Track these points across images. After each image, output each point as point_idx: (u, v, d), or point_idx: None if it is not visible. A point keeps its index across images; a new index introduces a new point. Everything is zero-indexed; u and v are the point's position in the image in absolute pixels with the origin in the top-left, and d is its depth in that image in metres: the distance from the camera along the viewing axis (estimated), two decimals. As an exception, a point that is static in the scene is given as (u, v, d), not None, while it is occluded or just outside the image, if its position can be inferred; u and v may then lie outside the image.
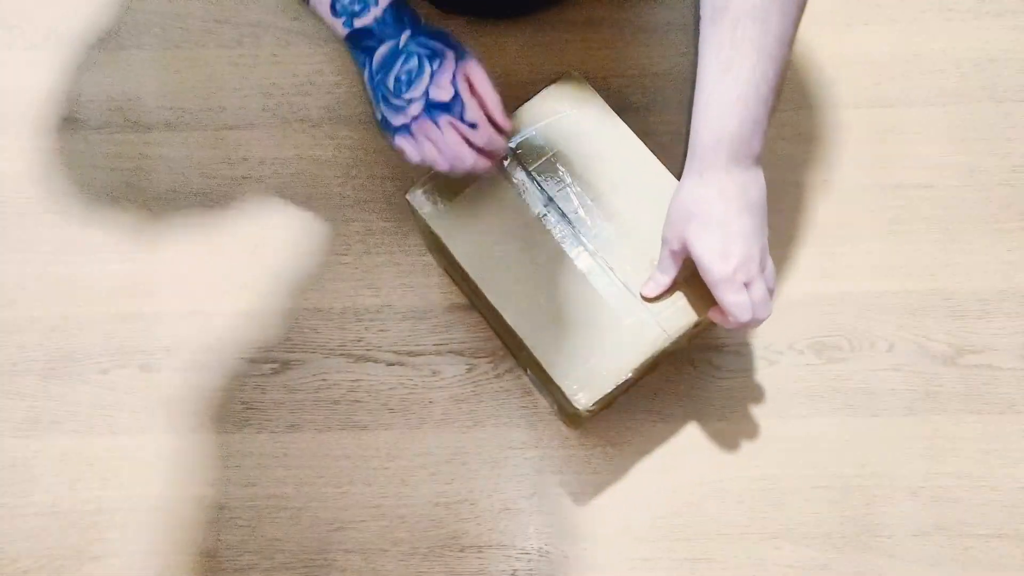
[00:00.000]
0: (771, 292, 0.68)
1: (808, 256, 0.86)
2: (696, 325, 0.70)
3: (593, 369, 0.69)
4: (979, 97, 0.91)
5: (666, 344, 0.69)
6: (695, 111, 0.66)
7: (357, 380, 0.83)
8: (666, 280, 0.70)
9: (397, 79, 0.63)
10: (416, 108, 0.64)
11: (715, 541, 0.79)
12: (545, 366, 0.69)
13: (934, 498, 0.79)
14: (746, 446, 0.81)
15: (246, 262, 0.87)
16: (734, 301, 0.65)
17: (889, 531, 0.79)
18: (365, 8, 0.63)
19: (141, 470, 0.81)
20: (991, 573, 0.78)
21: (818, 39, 0.92)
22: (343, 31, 0.64)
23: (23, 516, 0.81)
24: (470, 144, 0.66)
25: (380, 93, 0.64)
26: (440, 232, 0.71)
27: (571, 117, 0.74)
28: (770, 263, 0.68)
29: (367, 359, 0.84)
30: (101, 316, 0.86)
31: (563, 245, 0.72)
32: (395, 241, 0.87)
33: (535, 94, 0.75)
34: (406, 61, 0.63)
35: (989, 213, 0.87)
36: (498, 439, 0.82)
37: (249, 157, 0.90)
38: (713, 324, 0.71)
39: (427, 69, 0.63)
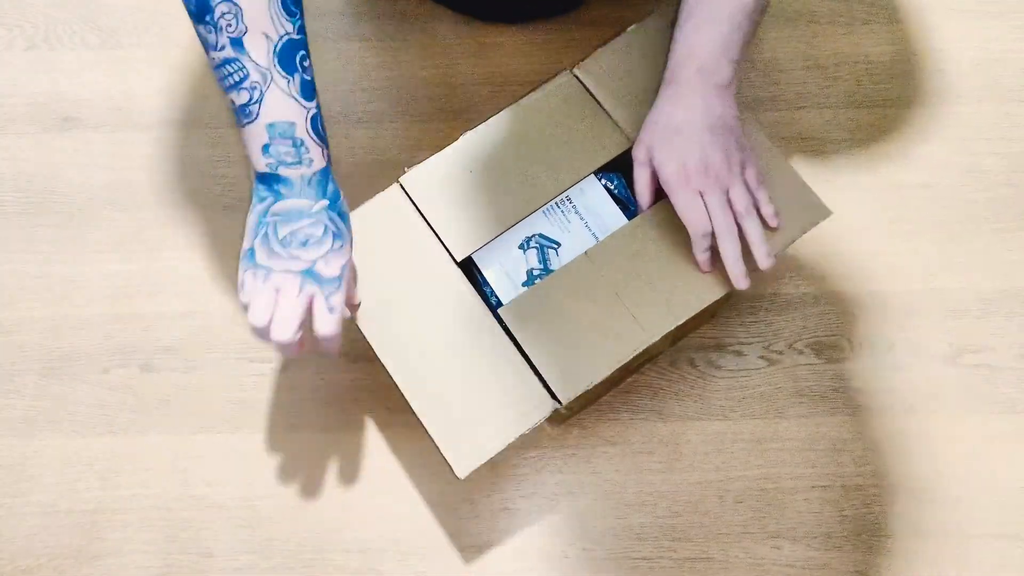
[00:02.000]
0: (765, 208, 0.70)
1: (808, 256, 0.86)
2: (678, 327, 0.70)
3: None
4: (979, 97, 0.91)
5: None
6: (675, 28, 0.70)
7: (357, 380, 0.83)
8: (644, 200, 0.72)
9: (292, 234, 0.62)
10: (296, 266, 0.62)
11: (715, 541, 0.79)
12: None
13: (934, 498, 0.79)
14: (746, 446, 0.81)
15: (246, 262, 0.87)
16: (685, 206, 0.68)
17: (889, 531, 0.79)
18: (298, 164, 0.62)
19: (141, 470, 0.81)
20: (991, 573, 0.78)
21: (818, 39, 0.92)
22: (264, 168, 0.62)
23: (23, 516, 0.81)
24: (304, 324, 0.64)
25: (264, 231, 0.63)
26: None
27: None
28: (763, 198, 0.70)
29: (367, 359, 0.84)
30: (101, 316, 0.86)
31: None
32: (395, 241, 0.87)
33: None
34: (312, 225, 0.62)
35: (990, 213, 0.87)
36: (498, 439, 0.82)
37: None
38: (700, 325, 0.71)
39: (328, 244, 0.63)
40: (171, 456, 0.82)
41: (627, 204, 0.75)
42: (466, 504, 0.80)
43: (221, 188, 0.89)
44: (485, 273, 0.73)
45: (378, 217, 0.73)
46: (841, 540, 0.79)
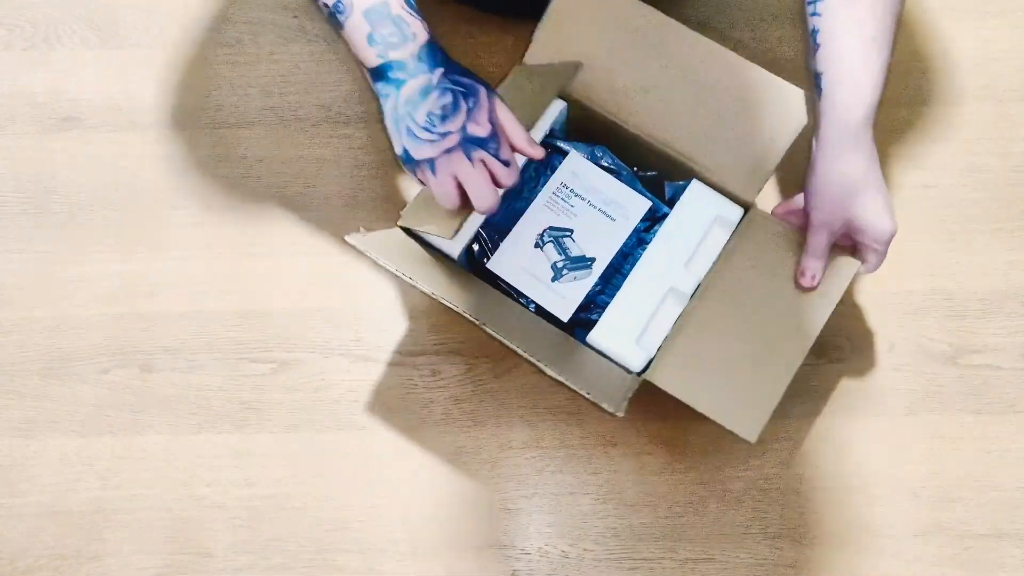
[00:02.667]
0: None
1: (808, 256, 0.86)
2: None
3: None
4: (979, 97, 0.91)
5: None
6: (840, 88, 0.68)
7: (357, 380, 0.83)
8: (821, 266, 0.72)
9: (430, 114, 0.62)
10: (451, 141, 0.63)
11: (715, 541, 0.79)
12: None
13: (934, 498, 0.79)
14: (746, 446, 0.81)
15: (246, 262, 0.87)
16: (883, 260, 0.72)
17: (889, 531, 0.79)
18: (404, 41, 0.62)
19: (141, 470, 0.81)
20: (991, 573, 0.78)
21: (818, 39, 0.92)
22: (375, 61, 0.63)
23: (22, 516, 0.81)
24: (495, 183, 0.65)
25: (405, 125, 0.63)
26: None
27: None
28: None
29: (367, 359, 0.84)
30: (101, 316, 0.86)
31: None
32: (395, 241, 0.87)
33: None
34: (441, 96, 0.63)
35: (989, 213, 0.87)
36: (498, 439, 0.82)
37: (248, 156, 0.90)
38: None
39: (463, 105, 0.63)
40: (171, 456, 0.82)
41: (618, 172, 0.77)
42: (466, 504, 0.80)
43: (221, 188, 0.89)
44: (510, 281, 0.74)
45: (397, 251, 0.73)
46: (841, 540, 0.79)
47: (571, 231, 0.75)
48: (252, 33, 0.94)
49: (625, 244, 0.75)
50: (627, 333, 0.72)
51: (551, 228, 0.75)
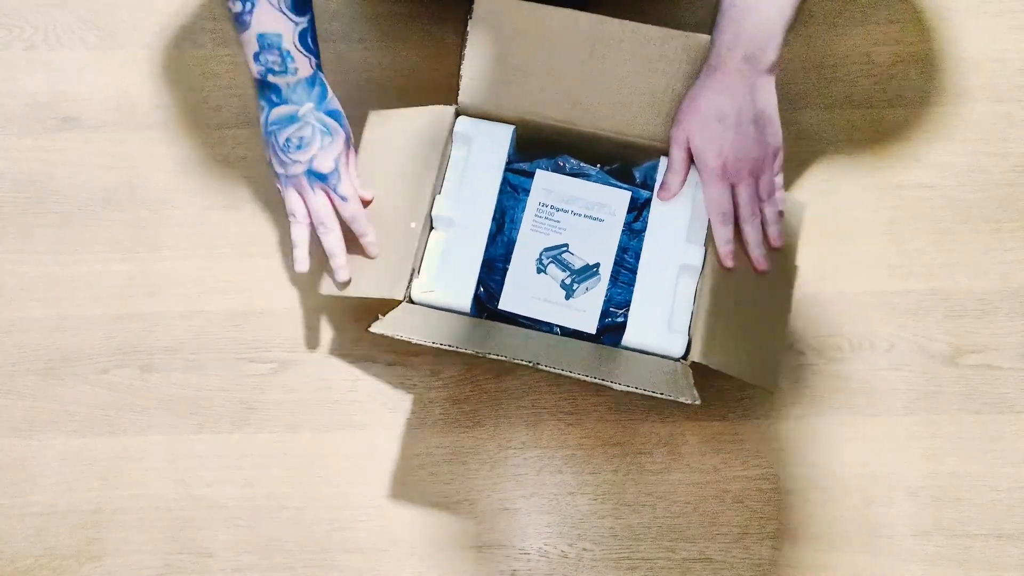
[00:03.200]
0: (780, 214, 0.73)
1: (808, 256, 0.86)
2: None
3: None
4: (979, 97, 0.91)
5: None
6: (718, 15, 0.70)
7: (357, 380, 0.83)
8: (677, 181, 0.73)
9: (288, 139, 0.70)
10: (298, 169, 0.71)
11: (715, 541, 0.79)
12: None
13: (934, 498, 0.79)
14: (746, 446, 0.81)
15: (246, 262, 0.87)
16: (714, 196, 0.71)
17: (889, 531, 0.79)
18: (284, 72, 0.69)
19: (141, 470, 0.81)
20: (991, 573, 0.78)
21: (818, 39, 0.92)
22: (256, 76, 0.70)
23: (22, 516, 0.81)
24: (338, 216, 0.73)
25: (270, 141, 0.71)
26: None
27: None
28: (779, 181, 0.72)
29: (367, 359, 0.84)
30: (101, 316, 0.86)
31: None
32: (395, 241, 0.87)
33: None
34: (301, 128, 0.70)
35: (989, 213, 0.87)
36: (498, 439, 0.82)
37: (247, 156, 0.90)
38: None
39: (317, 141, 0.71)
40: (171, 456, 0.82)
41: (587, 174, 0.77)
42: (466, 504, 0.80)
43: (221, 188, 0.89)
44: (526, 313, 0.74)
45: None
46: (841, 540, 0.79)
47: (566, 245, 0.75)
48: None
49: (620, 240, 0.75)
50: (658, 323, 0.72)
51: (546, 250, 0.75)
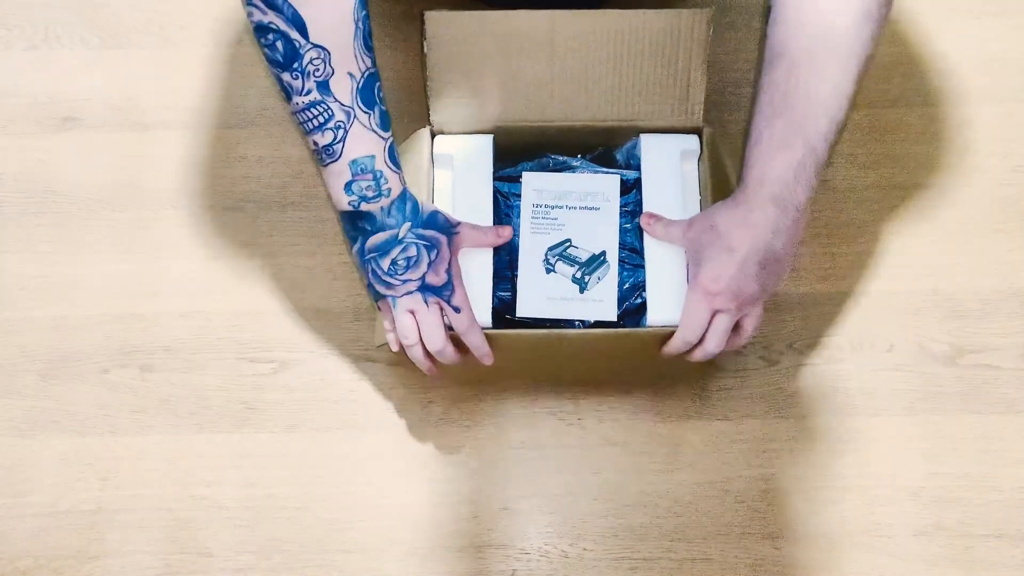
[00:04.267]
0: (742, 343, 0.71)
1: (808, 256, 0.86)
2: None
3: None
4: (979, 97, 0.91)
5: None
6: (745, 148, 0.67)
7: (357, 380, 0.83)
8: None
9: (394, 262, 0.66)
10: (410, 287, 0.67)
11: (715, 541, 0.79)
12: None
13: (934, 498, 0.79)
14: (746, 446, 0.81)
15: (245, 262, 0.87)
16: (693, 320, 0.68)
17: (889, 531, 0.79)
18: (378, 196, 0.64)
19: (141, 470, 0.81)
20: (991, 573, 0.78)
21: (818, 39, 0.92)
22: (346, 208, 0.65)
23: (23, 516, 0.81)
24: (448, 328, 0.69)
25: (370, 268, 0.67)
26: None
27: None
28: (755, 321, 0.69)
29: (367, 359, 0.84)
30: (101, 316, 0.86)
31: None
32: (395, 241, 0.87)
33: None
34: (404, 250, 0.66)
35: (989, 213, 0.87)
36: (498, 439, 0.82)
37: (248, 156, 0.90)
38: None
39: (425, 258, 0.66)
40: (171, 456, 0.82)
41: (571, 166, 0.77)
42: (466, 504, 0.80)
43: (221, 188, 0.89)
44: (546, 316, 0.74)
45: None
46: (841, 540, 0.79)
47: (568, 240, 0.75)
48: (251, 33, 0.93)
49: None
50: (677, 298, 0.72)
51: (550, 248, 0.75)
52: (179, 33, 0.94)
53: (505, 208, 0.77)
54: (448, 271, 0.67)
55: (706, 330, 0.68)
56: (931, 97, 0.91)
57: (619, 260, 0.75)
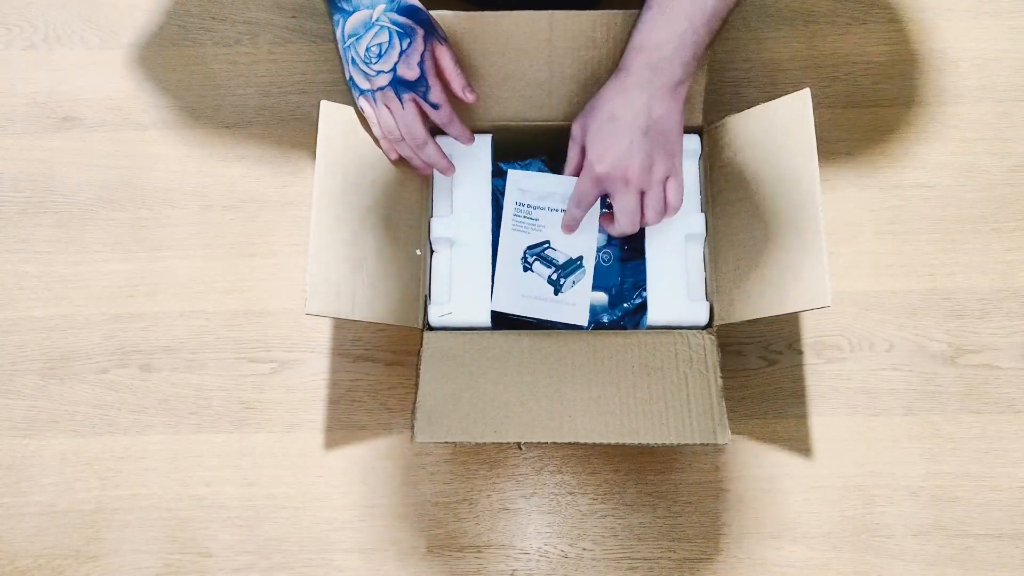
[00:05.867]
0: (672, 216, 0.71)
1: (808, 256, 0.86)
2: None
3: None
4: (978, 97, 0.91)
5: None
6: (636, 18, 0.69)
7: (356, 380, 0.83)
8: (569, 172, 0.73)
9: (367, 49, 0.66)
10: (383, 80, 0.67)
11: (715, 541, 0.79)
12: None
13: (934, 498, 0.79)
14: (746, 446, 0.81)
15: (245, 262, 0.87)
16: (581, 190, 0.70)
17: (889, 531, 0.79)
18: None
19: (141, 470, 0.81)
20: (991, 573, 0.78)
21: (816, 39, 0.92)
22: None
23: (22, 516, 0.81)
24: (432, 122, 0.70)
25: (350, 55, 0.67)
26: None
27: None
28: (676, 192, 0.70)
29: (366, 359, 0.84)
30: (101, 316, 0.86)
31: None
32: (395, 241, 0.87)
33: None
34: (377, 34, 0.66)
35: (988, 213, 0.87)
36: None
37: (247, 156, 0.90)
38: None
39: (397, 46, 0.66)
40: (171, 456, 0.82)
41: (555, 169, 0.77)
42: (466, 504, 0.80)
43: (221, 188, 0.89)
44: (519, 312, 0.74)
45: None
46: (841, 540, 0.79)
47: (547, 242, 0.75)
48: (251, 33, 0.94)
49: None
50: (678, 297, 0.72)
51: (529, 248, 0.75)
52: (177, 32, 0.94)
53: (492, 200, 0.77)
54: (421, 64, 0.67)
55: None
56: (930, 97, 0.91)
57: (618, 259, 0.75)
